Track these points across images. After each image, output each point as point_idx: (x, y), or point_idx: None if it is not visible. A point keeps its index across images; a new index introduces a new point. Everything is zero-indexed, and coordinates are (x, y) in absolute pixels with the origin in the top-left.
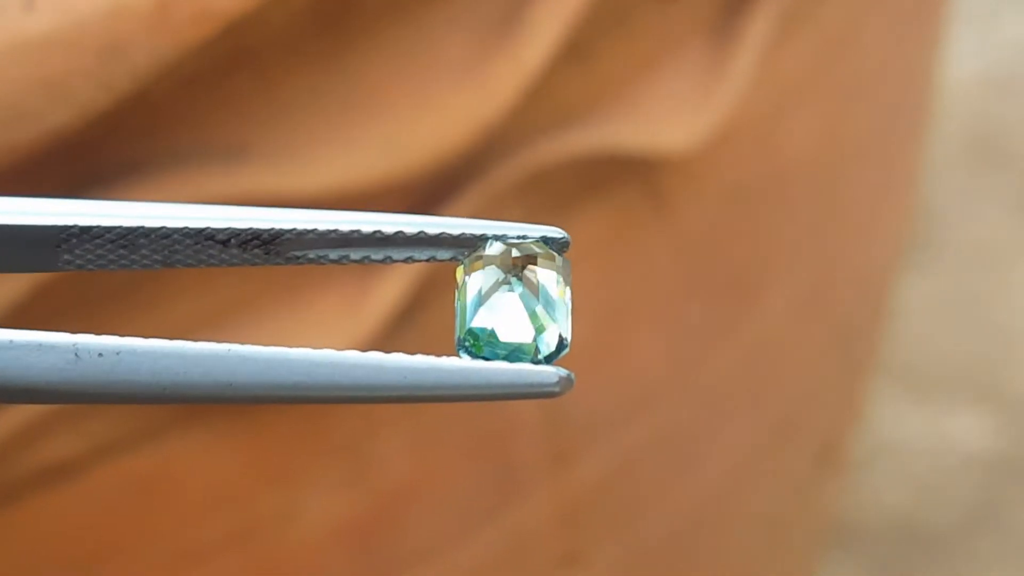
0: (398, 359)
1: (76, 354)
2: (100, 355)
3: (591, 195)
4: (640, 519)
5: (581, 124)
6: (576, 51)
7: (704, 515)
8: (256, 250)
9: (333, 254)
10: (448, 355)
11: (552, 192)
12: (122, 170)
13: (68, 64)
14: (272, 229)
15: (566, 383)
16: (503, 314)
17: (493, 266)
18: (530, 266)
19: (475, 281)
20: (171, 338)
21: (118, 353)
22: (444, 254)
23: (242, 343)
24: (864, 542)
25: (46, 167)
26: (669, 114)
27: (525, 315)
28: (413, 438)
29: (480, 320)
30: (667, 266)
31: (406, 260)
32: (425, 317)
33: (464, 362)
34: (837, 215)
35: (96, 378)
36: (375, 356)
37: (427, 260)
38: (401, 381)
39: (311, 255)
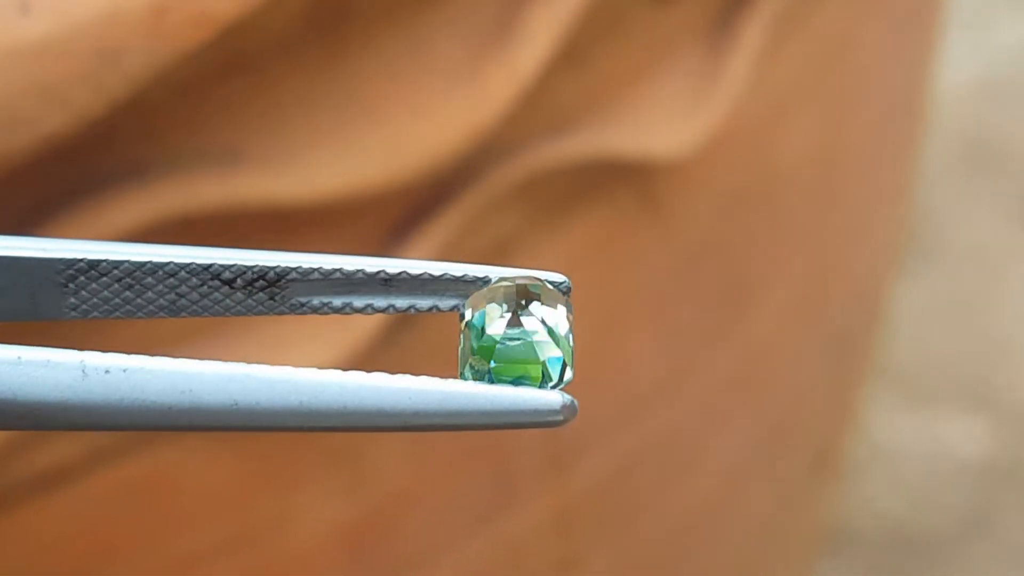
0: (403, 380)
1: (83, 371)
2: (107, 372)
3: (586, 200)
4: (635, 524)
5: (576, 129)
6: (571, 56)
7: (699, 520)
8: (260, 294)
9: (337, 301)
10: (444, 373)
11: (547, 197)
12: (118, 175)
13: (64, 69)
14: (278, 267)
15: (570, 411)
16: (508, 347)
17: (497, 297)
18: (535, 302)
19: (479, 313)
20: (168, 346)
21: (125, 370)
22: (446, 303)
23: (238, 351)
24: (858, 547)
25: (41, 172)
26: (664, 119)
27: (532, 348)
28: (409, 443)
29: (484, 353)
30: (662, 271)
31: (408, 309)
32: (419, 326)
33: (468, 385)
34: (832, 220)
35: (103, 395)
36: (380, 377)
37: (429, 310)
38: (406, 402)
39: (315, 302)
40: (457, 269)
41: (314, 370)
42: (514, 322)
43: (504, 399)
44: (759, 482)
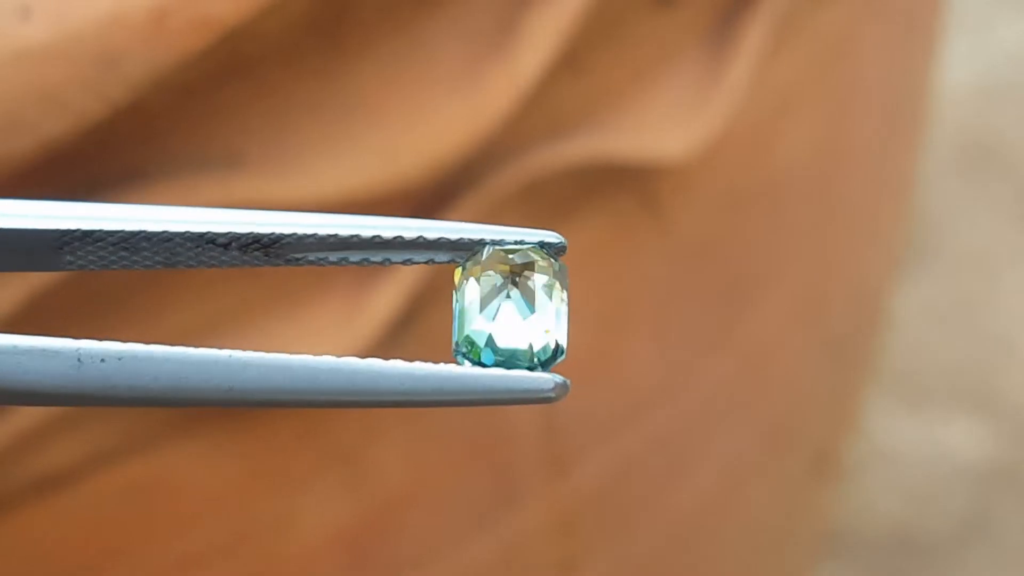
0: (396, 366)
1: (79, 359)
2: (103, 360)
3: (587, 203)
4: (636, 526)
5: (577, 133)
6: (572, 60)
7: (699, 522)
8: (256, 252)
9: (332, 256)
10: (446, 362)
11: (548, 200)
12: (119, 180)
13: (65, 74)
14: (272, 233)
15: (562, 389)
16: (500, 320)
17: (490, 272)
18: (526, 271)
19: (472, 287)
20: (172, 342)
21: (120, 359)
22: (442, 256)
23: (243, 349)
24: (858, 550)
25: (42, 177)
26: (665, 122)
27: (521, 321)
28: (409, 445)
29: (477, 326)
30: (662, 273)
31: (404, 262)
32: (424, 323)
33: (461, 369)
34: (832, 223)
35: (99, 383)
36: (374, 363)
37: (425, 262)
38: (399, 387)
39: (311, 257)
40: (452, 232)
41: (309, 356)
42: (506, 311)
43: (496, 382)
44: (759, 483)
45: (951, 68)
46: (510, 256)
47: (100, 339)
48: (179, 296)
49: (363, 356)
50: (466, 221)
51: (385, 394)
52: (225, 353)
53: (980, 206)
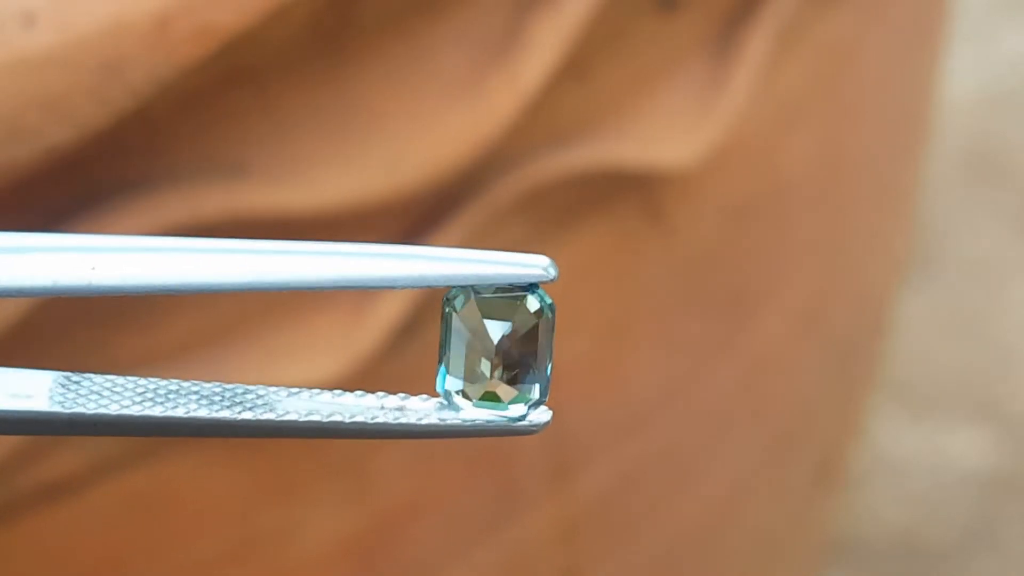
0: (377, 400)
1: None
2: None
3: (590, 212)
4: (639, 535)
5: (580, 141)
6: (575, 68)
7: (703, 531)
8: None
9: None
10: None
11: (551, 209)
12: (121, 188)
13: (67, 81)
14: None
15: (544, 427)
16: (476, 380)
17: (472, 360)
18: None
19: (455, 377)
20: (172, 354)
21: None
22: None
23: (243, 360)
24: (862, 558)
25: (44, 185)
26: (668, 131)
27: (499, 383)
28: (413, 454)
29: (452, 384)
30: (665, 282)
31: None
32: (423, 336)
33: (443, 415)
34: (836, 231)
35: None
36: (353, 396)
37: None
38: (386, 424)
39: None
40: (433, 266)
41: (286, 389)
42: (488, 393)
43: (480, 422)
44: (763, 493)
45: (955, 77)
46: (487, 302)
47: (94, 353)
48: (175, 310)
49: (359, 370)
50: (468, 232)
51: (375, 433)
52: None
53: (984, 215)
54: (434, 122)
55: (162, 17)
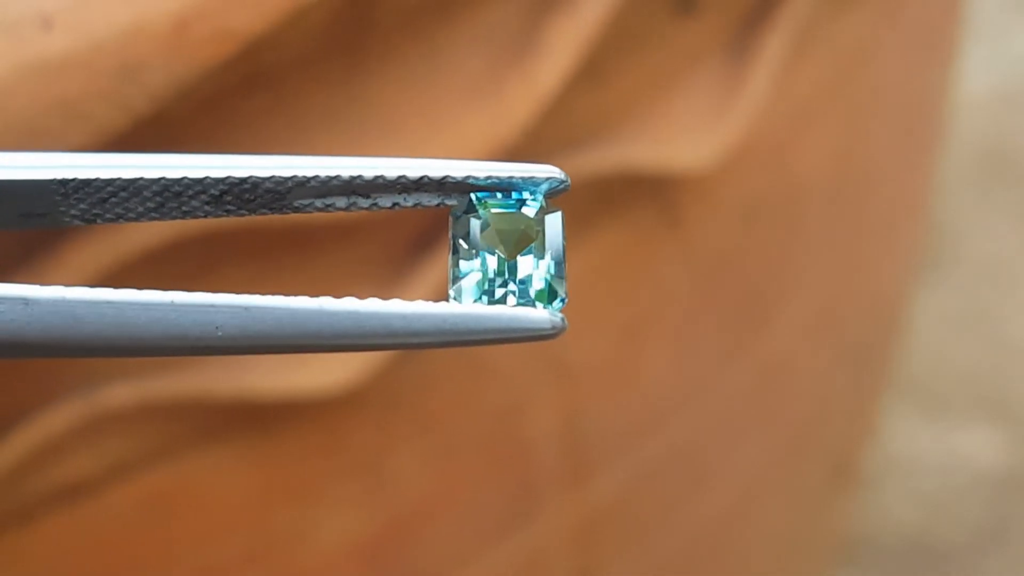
0: (391, 306)
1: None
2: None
3: (606, 214)
4: (654, 536)
5: (596, 143)
6: (591, 70)
7: (717, 532)
8: (266, 195)
9: (340, 202)
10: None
11: (568, 210)
12: None
13: (85, 85)
14: (273, 177)
15: (560, 327)
16: (490, 289)
17: (488, 250)
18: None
19: (468, 270)
20: (164, 365)
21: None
22: (452, 200)
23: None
24: (875, 558)
25: None
26: (684, 133)
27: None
28: (428, 455)
29: (467, 292)
30: (681, 284)
31: (414, 206)
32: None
33: (458, 307)
34: (851, 233)
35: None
36: (374, 303)
37: (436, 206)
38: (394, 328)
39: (318, 203)
40: (458, 171)
41: (307, 299)
42: (501, 282)
43: (493, 322)
44: (777, 493)
45: (969, 77)
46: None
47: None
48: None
49: (364, 379)
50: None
51: (380, 336)
52: (215, 298)
53: (998, 214)
54: (451, 124)
55: (180, 20)
